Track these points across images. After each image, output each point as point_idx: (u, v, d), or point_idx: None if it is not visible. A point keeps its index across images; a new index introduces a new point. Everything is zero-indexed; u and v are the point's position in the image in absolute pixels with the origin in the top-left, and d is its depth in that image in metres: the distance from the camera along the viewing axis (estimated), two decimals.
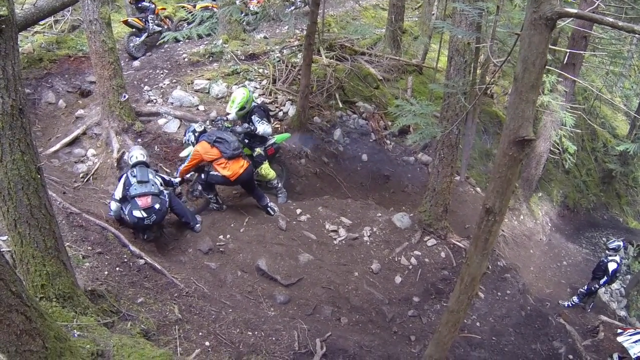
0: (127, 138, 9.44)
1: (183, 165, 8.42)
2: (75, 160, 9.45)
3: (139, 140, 9.56)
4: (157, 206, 7.31)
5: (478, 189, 12.86)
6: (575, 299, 10.75)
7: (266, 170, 9.09)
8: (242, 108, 8.87)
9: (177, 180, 8.39)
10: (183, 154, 9.00)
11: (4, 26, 3.38)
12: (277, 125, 10.97)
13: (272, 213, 8.92)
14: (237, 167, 8.26)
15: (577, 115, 11.76)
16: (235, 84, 11.27)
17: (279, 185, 9.54)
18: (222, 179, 8.29)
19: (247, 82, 11.53)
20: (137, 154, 7.75)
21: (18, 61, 3.61)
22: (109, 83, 9.09)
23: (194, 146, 8.42)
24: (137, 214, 7.12)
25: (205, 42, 12.96)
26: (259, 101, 11.02)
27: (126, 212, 7.20)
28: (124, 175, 7.40)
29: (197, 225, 8.17)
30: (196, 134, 8.47)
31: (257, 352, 5.87)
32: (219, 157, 8.20)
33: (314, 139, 11.28)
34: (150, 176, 7.50)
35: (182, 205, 8.22)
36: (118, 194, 7.27)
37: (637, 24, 3.27)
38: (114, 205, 7.29)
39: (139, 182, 7.29)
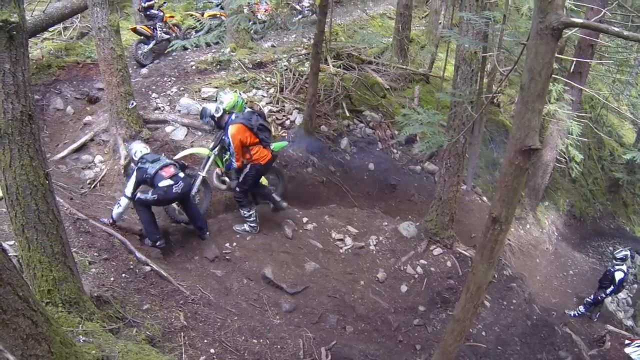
0: None
1: (234, 158, 7.95)
2: (83, 166, 9.51)
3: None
4: (181, 175, 7.50)
5: (484, 198, 12.84)
6: (581, 308, 10.70)
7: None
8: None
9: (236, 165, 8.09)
10: (179, 155, 8.87)
11: (14, 33, 3.41)
12: (284, 134, 11.00)
13: (279, 199, 8.90)
14: (266, 152, 8.15)
15: (583, 124, 11.74)
16: (243, 92, 11.32)
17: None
18: (260, 166, 8.13)
19: (254, 91, 11.58)
20: (139, 148, 7.72)
21: (28, 67, 3.64)
22: (117, 90, 9.14)
23: (215, 126, 8.31)
24: (165, 182, 7.25)
25: (213, 51, 13.02)
26: (265, 110, 11.07)
27: (150, 194, 7.28)
28: (134, 171, 7.41)
29: (207, 233, 8.18)
30: (215, 119, 8.13)
31: None
32: (255, 142, 8.01)
33: (321, 145, 11.28)
34: (158, 156, 7.64)
35: (197, 208, 8.22)
36: (129, 190, 7.30)
37: None
38: (124, 202, 7.30)
39: (152, 162, 7.38)
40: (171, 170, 7.41)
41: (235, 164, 7.95)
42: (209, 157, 8.55)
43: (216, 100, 8.33)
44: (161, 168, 7.34)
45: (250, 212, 8.37)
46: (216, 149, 8.51)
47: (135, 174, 7.38)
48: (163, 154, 9.32)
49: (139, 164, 7.42)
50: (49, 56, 11.71)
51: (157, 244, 7.51)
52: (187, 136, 10.12)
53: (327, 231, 9.24)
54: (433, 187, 11.37)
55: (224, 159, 8.66)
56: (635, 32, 3.31)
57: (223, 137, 8.39)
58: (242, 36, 13.10)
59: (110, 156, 9.55)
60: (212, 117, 8.07)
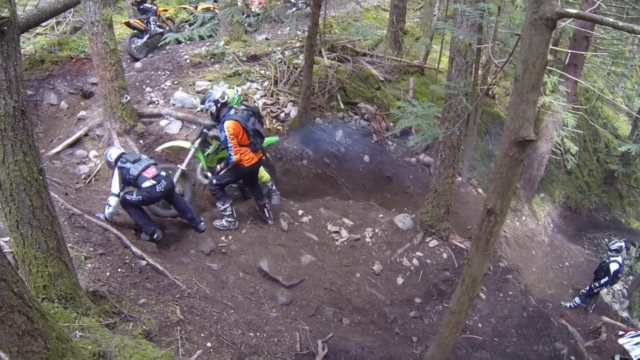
0: (129, 139, 9.44)
1: (233, 152, 7.73)
2: (77, 161, 9.46)
3: (141, 141, 9.57)
4: (162, 173, 7.55)
5: (480, 190, 12.86)
6: (577, 299, 10.73)
7: (261, 172, 8.74)
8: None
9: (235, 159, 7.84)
10: (161, 147, 8.82)
11: (6, 28, 3.39)
12: (279, 127, 10.98)
13: (268, 216, 8.65)
14: (253, 156, 7.99)
15: (578, 115, 11.74)
16: (237, 85, 11.28)
17: (273, 187, 9.20)
18: (243, 168, 7.97)
19: (248, 84, 11.55)
20: (112, 151, 7.70)
21: (20, 63, 3.62)
22: (111, 84, 9.09)
23: (212, 117, 8.07)
24: (148, 183, 7.28)
25: (206, 44, 12.99)
26: (260, 103, 11.05)
27: (135, 195, 7.30)
28: (115, 170, 7.40)
29: (202, 224, 8.16)
30: (218, 105, 7.93)
31: (259, 353, 5.88)
32: (245, 144, 7.87)
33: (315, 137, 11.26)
34: (138, 155, 7.64)
35: (185, 201, 8.20)
36: (115, 188, 7.30)
37: (638, 24, 3.27)
38: (113, 201, 7.26)
39: (133, 162, 7.39)
40: (153, 170, 7.44)
41: (235, 157, 7.76)
42: (189, 150, 8.52)
43: (205, 97, 8.11)
44: (144, 169, 7.36)
45: (225, 206, 8.22)
46: (197, 142, 8.48)
47: (116, 172, 7.38)
48: (158, 148, 9.32)
49: (120, 163, 7.41)
50: (42, 51, 11.64)
51: (155, 236, 7.51)
52: (181, 130, 10.09)
53: (323, 224, 9.24)
54: (428, 179, 11.36)
55: (205, 154, 8.64)
56: (630, 24, 3.30)
57: (205, 132, 8.44)
58: (236, 29, 13.06)
59: (105, 151, 9.51)
60: (217, 101, 7.88)
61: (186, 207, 8.08)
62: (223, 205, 8.22)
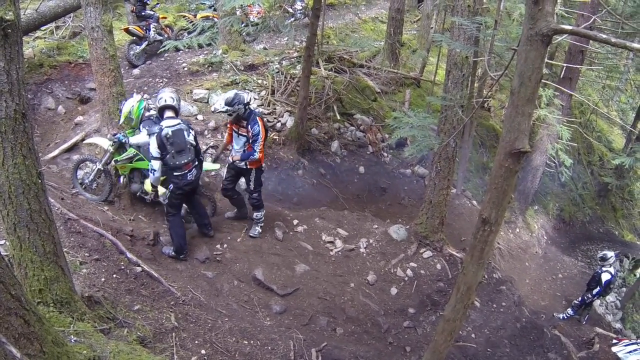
0: None
1: (259, 149, 7.81)
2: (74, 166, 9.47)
3: None
4: (194, 170, 7.35)
5: (474, 202, 12.90)
6: (570, 311, 10.77)
7: (147, 185, 7.82)
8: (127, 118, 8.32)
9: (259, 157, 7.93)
10: (87, 141, 8.58)
11: (9, 31, 3.41)
12: (275, 137, 11.02)
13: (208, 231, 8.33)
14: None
15: (573, 128, 11.82)
16: None
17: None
18: (261, 167, 8.25)
19: (246, 92, 11.59)
20: (166, 96, 7.23)
21: (22, 66, 3.63)
22: (109, 90, 9.09)
23: (235, 118, 7.88)
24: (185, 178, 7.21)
25: (205, 52, 13.04)
26: (257, 109, 11.07)
27: (170, 183, 7.27)
28: (156, 135, 6.93)
29: (211, 232, 8.25)
30: (247, 107, 7.83)
31: None
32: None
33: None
34: (186, 137, 7.15)
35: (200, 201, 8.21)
36: (155, 151, 6.97)
37: (633, 40, 3.33)
38: (157, 164, 7.05)
39: (177, 152, 7.04)
40: (190, 166, 7.28)
41: (258, 155, 7.86)
42: (107, 151, 8.28)
43: (234, 99, 7.78)
44: (184, 165, 7.19)
45: (263, 212, 8.51)
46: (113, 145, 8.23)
47: (155, 139, 6.92)
48: None
49: (163, 136, 6.89)
50: (41, 55, 11.67)
51: (181, 256, 7.54)
52: None
53: (318, 233, 9.26)
54: (423, 190, 11.42)
55: (118, 158, 8.26)
56: (625, 39, 3.36)
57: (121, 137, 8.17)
58: (234, 38, 13.12)
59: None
60: (247, 104, 7.82)
61: (205, 212, 8.19)
62: (262, 212, 8.50)
